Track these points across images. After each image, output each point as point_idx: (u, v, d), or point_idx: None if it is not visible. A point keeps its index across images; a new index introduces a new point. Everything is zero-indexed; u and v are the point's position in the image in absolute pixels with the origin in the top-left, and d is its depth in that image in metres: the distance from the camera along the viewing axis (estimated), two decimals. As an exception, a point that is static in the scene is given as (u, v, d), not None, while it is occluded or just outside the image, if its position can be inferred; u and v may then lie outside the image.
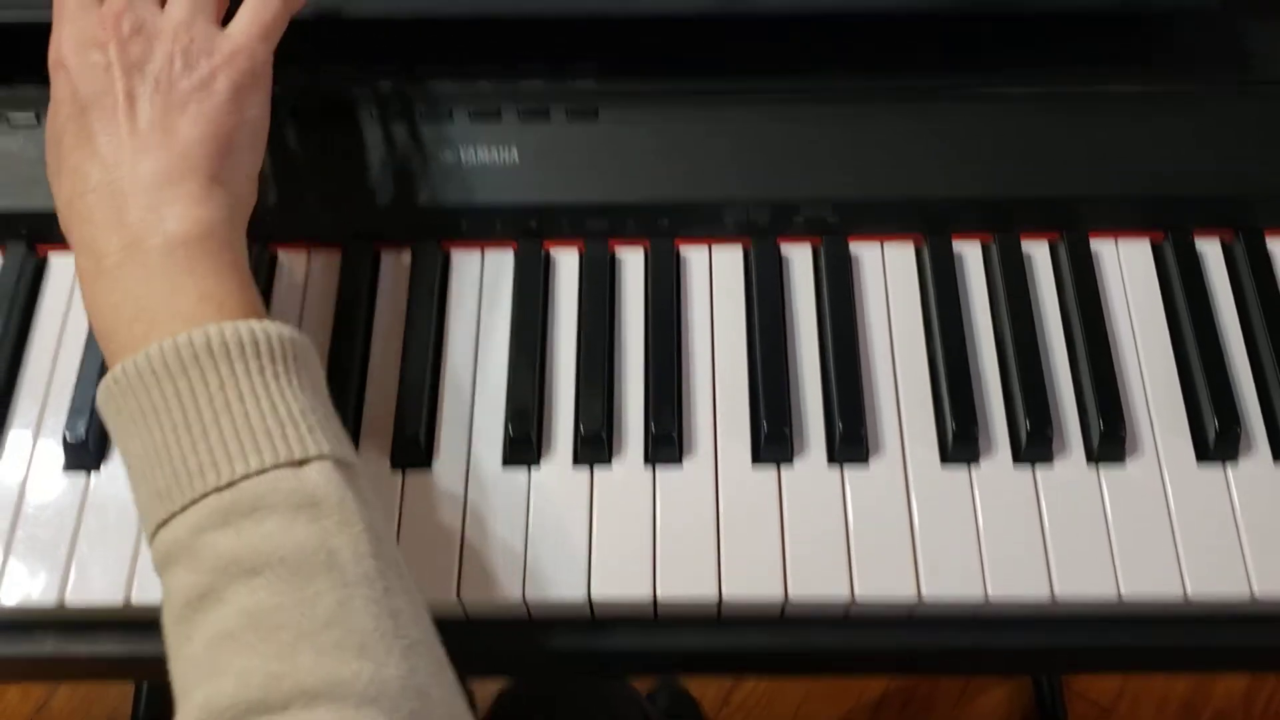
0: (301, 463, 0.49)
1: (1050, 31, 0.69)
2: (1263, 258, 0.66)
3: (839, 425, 0.61)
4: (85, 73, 0.56)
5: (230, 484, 0.48)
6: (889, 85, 0.68)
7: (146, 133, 0.55)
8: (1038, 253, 0.67)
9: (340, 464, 0.50)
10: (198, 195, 0.54)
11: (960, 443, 0.61)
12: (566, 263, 0.67)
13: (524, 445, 0.61)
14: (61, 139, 0.57)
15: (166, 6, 0.58)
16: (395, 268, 0.67)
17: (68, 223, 0.56)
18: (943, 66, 0.68)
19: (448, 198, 0.66)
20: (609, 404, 0.62)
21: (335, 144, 0.67)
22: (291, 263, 0.67)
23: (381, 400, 0.63)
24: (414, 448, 0.61)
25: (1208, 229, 0.67)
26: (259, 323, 0.51)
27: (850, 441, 0.61)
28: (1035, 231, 0.67)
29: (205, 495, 0.48)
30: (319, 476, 0.49)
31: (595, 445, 0.61)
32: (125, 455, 0.51)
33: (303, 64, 0.67)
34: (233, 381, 0.50)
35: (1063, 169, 0.66)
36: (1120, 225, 0.67)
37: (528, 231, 0.67)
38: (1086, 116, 0.67)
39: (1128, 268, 0.67)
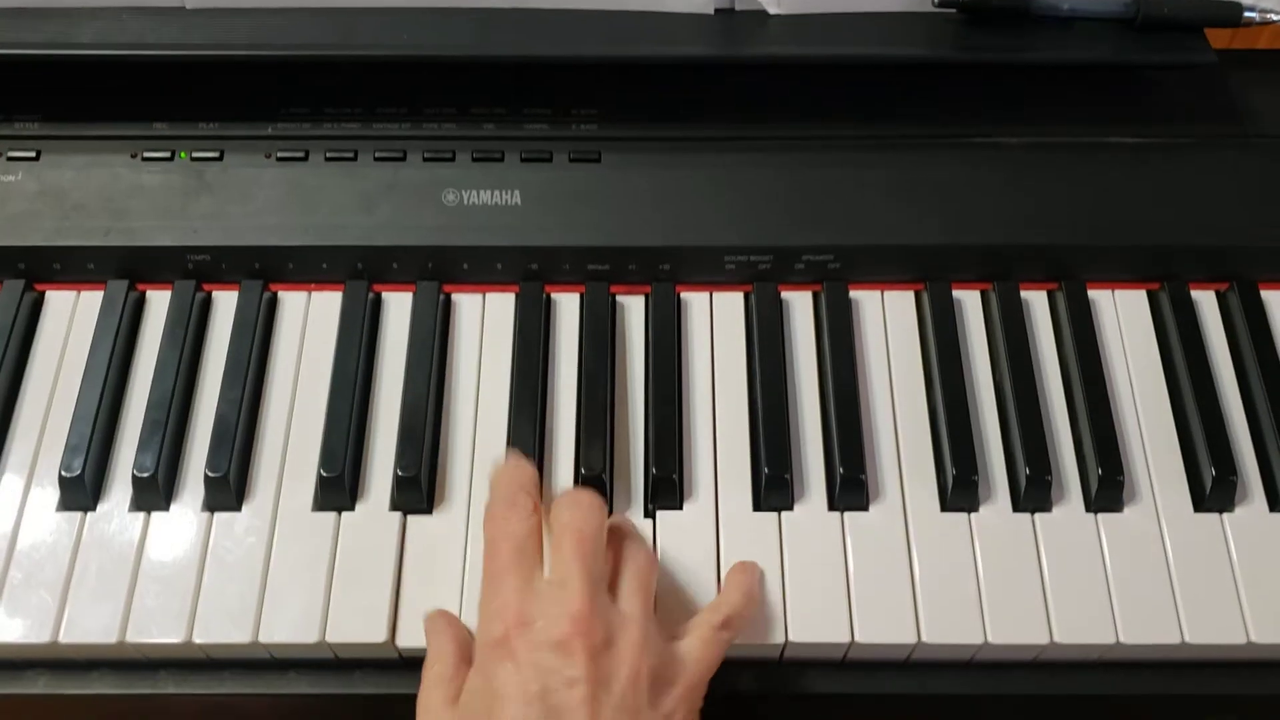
0: None
1: (1049, 83, 0.70)
2: (1258, 310, 0.67)
3: (840, 472, 0.61)
4: (544, 678, 0.50)
5: None
6: (888, 133, 0.69)
7: None
8: (1036, 302, 0.68)
9: None
10: None
11: (960, 489, 0.61)
12: (568, 306, 0.67)
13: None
14: None
15: (621, 604, 0.54)
16: (396, 309, 0.67)
17: None
18: (941, 115, 0.69)
19: (450, 239, 0.66)
20: (610, 448, 0.63)
21: (337, 185, 0.67)
22: (291, 302, 0.67)
23: (382, 443, 0.63)
24: (414, 489, 0.61)
25: (1203, 280, 0.68)
26: None
27: (851, 488, 0.61)
28: (1034, 281, 0.68)
29: None
30: None
31: (596, 488, 0.61)
32: None
33: (308, 105, 0.68)
34: None
35: (1060, 218, 0.67)
36: (1117, 276, 0.68)
37: (529, 274, 0.67)
38: (1083, 167, 0.68)
39: (1125, 318, 0.67)
